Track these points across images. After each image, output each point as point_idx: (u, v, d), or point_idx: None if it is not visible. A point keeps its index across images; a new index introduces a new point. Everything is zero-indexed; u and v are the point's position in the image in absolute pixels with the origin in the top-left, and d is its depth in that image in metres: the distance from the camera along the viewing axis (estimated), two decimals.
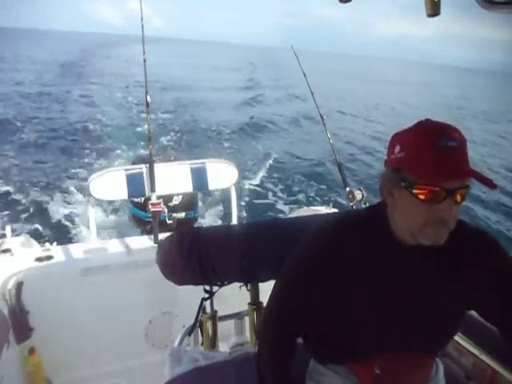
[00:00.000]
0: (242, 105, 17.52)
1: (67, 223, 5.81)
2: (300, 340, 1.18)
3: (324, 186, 7.99)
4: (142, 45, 2.55)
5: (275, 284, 1.14)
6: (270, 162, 9.25)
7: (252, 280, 1.56)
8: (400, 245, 0.95)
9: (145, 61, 2.58)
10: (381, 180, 0.95)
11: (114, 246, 2.31)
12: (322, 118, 2.52)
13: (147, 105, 2.45)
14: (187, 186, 2.49)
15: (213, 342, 1.61)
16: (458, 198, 0.85)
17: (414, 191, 0.85)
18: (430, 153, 0.81)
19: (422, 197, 0.84)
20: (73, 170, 7.84)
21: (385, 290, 0.97)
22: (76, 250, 2.23)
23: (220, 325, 1.62)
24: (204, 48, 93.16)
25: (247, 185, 7.64)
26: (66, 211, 6.14)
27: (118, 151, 8.99)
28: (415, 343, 1.01)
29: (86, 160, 8.44)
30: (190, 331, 1.61)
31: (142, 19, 2.61)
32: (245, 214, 6.30)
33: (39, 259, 2.07)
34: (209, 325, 1.59)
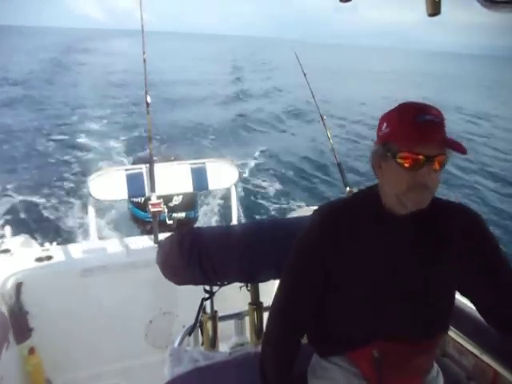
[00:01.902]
0: (230, 100, 17.12)
1: (67, 223, 5.81)
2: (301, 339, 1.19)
3: (324, 186, 7.98)
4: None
5: (279, 283, 1.16)
6: (269, 160, 9.22)
7: (252, 280, 1.56)
8: (391, 216, 1.02)
9: (145, 61, 2.56)
10: (372, 156, 1.04)
11: (114, 246, 2.31)
12: (322, 118, 2.51)
13: (147, 105, 2.44)
14: (187, 186, 2.48)
15: (213, 342, 1.61)
16: (437, 165, 0.93)
17: (398, 159, 0.94)
18: (411, 124, 0.93)
19: (404, 163, 0.94)
20: (72, 170, 7.84)
21: (379, 268, 1.03)
22: (76, 250, 2.22)
23: (220, 325, 1.62)
24: (192, 40, 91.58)
25: (245, 184, 7.63)
26: (66, 211, 6.15)
27: (117, 154, 8.97)
28: (413, 326, 1.03)
29: (86, 159, 8.43)
30: (190, 331, 1.61)
31: (141, 19, 2.60)
32: (244, 214, 6.29)
33: (39, 259, 2.07)
34: (209, 325, 1.59)
